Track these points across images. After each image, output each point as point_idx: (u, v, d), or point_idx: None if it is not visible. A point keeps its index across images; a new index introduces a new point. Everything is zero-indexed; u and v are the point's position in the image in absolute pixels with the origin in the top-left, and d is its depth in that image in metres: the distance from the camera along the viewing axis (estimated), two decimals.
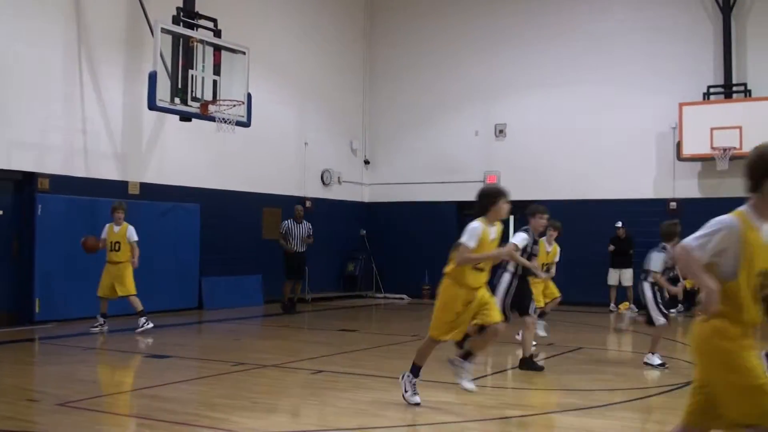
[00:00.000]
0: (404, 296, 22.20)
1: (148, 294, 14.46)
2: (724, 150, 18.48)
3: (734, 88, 19.39)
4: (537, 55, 21.53)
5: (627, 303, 19.24)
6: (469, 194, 21.38)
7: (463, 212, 22.23)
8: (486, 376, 10.24)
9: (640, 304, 12.17)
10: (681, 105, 19.14)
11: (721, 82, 19.50)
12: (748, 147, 18.17)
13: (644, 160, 20.23)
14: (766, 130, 18.23)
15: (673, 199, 19.84)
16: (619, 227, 19.51)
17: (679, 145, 19.17)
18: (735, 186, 19.15)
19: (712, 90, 19.51)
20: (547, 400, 8.55)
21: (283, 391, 8.90)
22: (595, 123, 20.70)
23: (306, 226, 18.39)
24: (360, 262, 22.60)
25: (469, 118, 22.28)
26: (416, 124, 23.00)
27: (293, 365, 10.51)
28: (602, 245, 19.75)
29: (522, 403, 8.59)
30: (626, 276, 19.34)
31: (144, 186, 17.16)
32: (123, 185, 16.74)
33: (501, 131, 21.92)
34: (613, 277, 19.49)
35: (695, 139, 18.85)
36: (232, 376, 9.58)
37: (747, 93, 19.21)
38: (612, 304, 19.42)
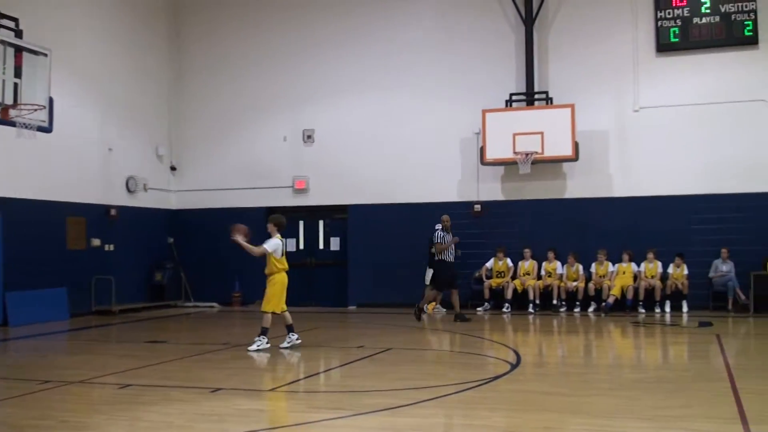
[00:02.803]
0: (214, 304, 21.82)
1: None
2: (527, 155, 19.17)
3: (536, 96, 20.16)
4: (345, 62, 21.68)
5: (434, 303, 19.61)
6: (279, 200, 21.66)
7: None
8: (299, 380, 10.15)
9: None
10: (484, 111, 19.73)
11: (523, 89, 20.23)
12: (549, 152, 19.06)
13: (449, 164, 20.74)
14: (566, 135, 19.13)
15: (478, 202, 20.43)
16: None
17: (482, 150, 19.74)
18: (537, 189, 20.02)
19: (514, 97, 20.21)
20: (357, 402, 8.55)
21: (91, 408, 8.50)
22: (402, 128, 21.07)
23: (453, 237, 17.55)
24: (168, 270, 22.01)
25: (277, 123, 22.16)
26: (224, 130, 22.67)
27: (100, 380, 10.08)
28: (413, 248, 20.11)
29: (332, 406, 8.55)
30: None
31: None
32: None
33: (309, 137, 21.93)
34: (429, 276, 19.66)
35: (498, 144, 19.45)
36: (39, 395, 9.08)
37: (548, 100, 20.01)
38: (437, 306, 19.60)
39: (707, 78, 19.32)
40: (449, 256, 17.15)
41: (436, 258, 17.29)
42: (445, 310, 19.09)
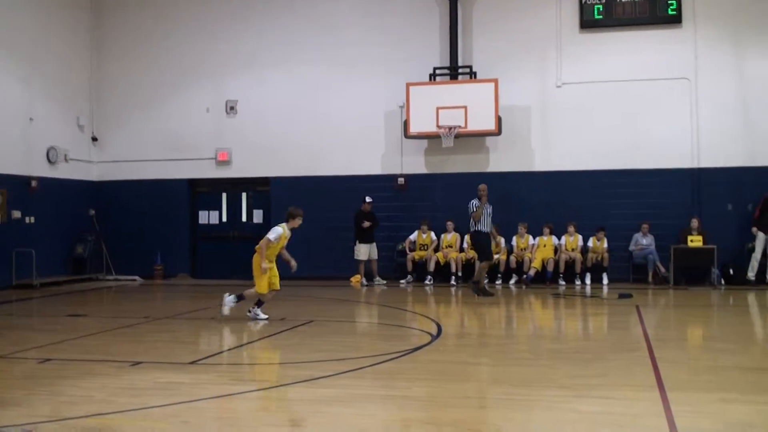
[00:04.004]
0: (136, 277, 21.53)
1: None
2: (450, 128, 19.28)
3: (460, 70, 20.25)
4: (268, 32, 21.47)
5: (359, 276, 19.69)
6: (201, 172, 21.46)
7: (195, 189, 21.96)
8: (220, 353, 10.12)
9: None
10: (408, 85, 19.76)
11: (447, 63, 20.30)
12: (473, 126, 19.19)
13: (373, 137, 20.75)
14: (489, 110, 19.28)
15: (401, 175, 20.52)
16: (368, 202, 19.78)
17: (406, 124, 19.80)
18: (460, 162, 20.18)
19: (438, 71, 20.27)
20: (278, 374, 8.57)
21: (11, 383, 8.35)
22: (326, 101, 20.99)
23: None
24: (89, 243, 21.62)
25: (200, 94, 21.85)
26: (146, 100, 22.28)
27: (20, 355, 9.91)
28: (338, 221, 20.16)
29: (253, 379, 8.56)
30: (374, 250, 19.78)
31: None
32: None
33: (232, 108, 21.69)
34: (363, 251, 19.76)
35: (422, 117, 19.51)
36: None
37: (472, 75, 20.12)
38: (363, 279, 19.67)
39: (630, 55, 19.65)
40: (485, 227, 16.60)
41: (472, 229, 16.65)
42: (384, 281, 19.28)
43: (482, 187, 16.46)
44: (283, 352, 9.93)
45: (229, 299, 13.00)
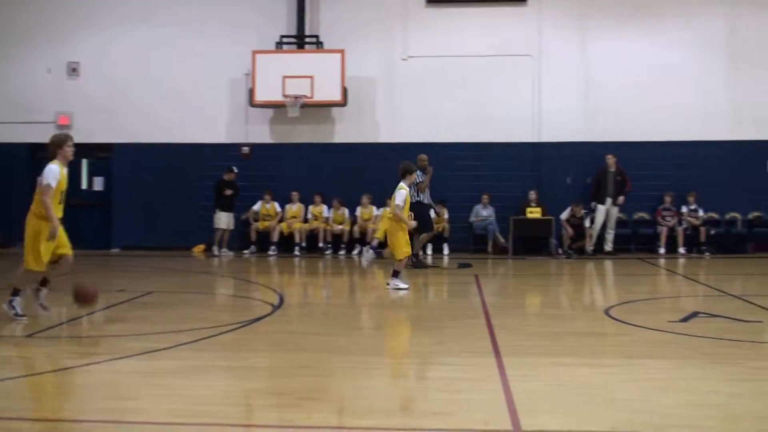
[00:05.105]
0: None
1: None
2: (296, 98, 19.14)
3: (306, 40, 20.11)
4: None
5: (201, 245, 19.40)
6: (41, 136, 20.49)
7: (36, 154, 20.99)
8: (56, 326, 9.75)
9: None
10: (255, 53, 19.47)
11: (294, 32, 20.12)
12: (319, 96, 19.13)
13: (218, 105, 20.36)
14: (336, 81, 19.25)
15: (246, 144, 20.27)
16: (234, 172, 19.53)
17: (252, 92, 19.53)
18: (305, 133, 20.11)
19: (285, 40, 20.07)
20: (116, 346, 8.32)
21: None
22: (171, 66, 20.40)
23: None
24: None
25: (40, 54, 20.73)
26: None
27: None
28: (183, 190, 19.81)
29: (90, 352, 8.28)
30: (232, 220, 19.53)
31: None
32: None
33: (74, 70, 20.80)
34: (224, 220, 19.39)
35: (268, 86, 19.27)
36: None
37: (319, 45, 20.02)
38: (216, 247, 19.33)
39: (476, 31, 20.00)
40: (427, 198, 16.52)
41: (414, 200, 15.86)
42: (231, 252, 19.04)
43: (424, 157, 16.46)
44: (122, 324, 9.63)
45: (368, 254, 13.40)
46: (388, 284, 12.79)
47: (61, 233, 9.57)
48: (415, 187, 15.80)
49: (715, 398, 6.21)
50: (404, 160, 13.78)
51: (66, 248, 9.77)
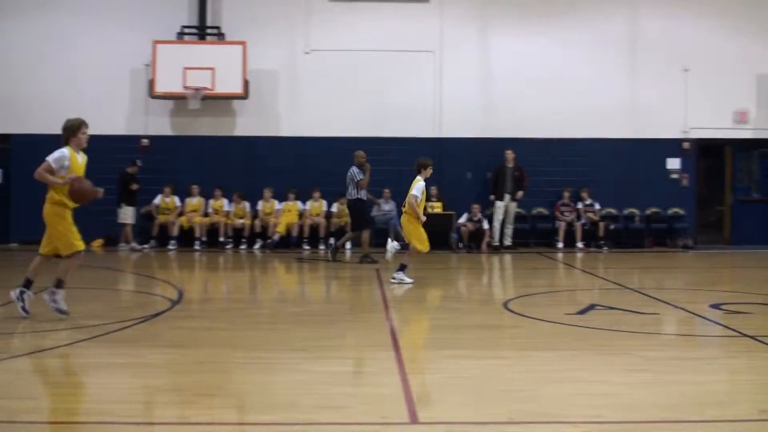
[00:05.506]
0: None
1: None
2: (197, 90, 18.94)
3: (208, 31, 19.91)
4: None
5: (100, 240, 19.07)
6: None
7: None
8: None
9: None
10: (155, 43, 19.17)
11: (195, 23, 19.89)
12: (220, 88, 18.97)
13: (118, 95, 19.98)
14: (237, 73, 19.12)
15: (146, 136, 19.96)
16: (138, 165, 19.31)
17: (152, 83, 19.23)
18: (206, 125, 19.93)
19: (186, 30, 19.82)
20: (8, 345, 8.12)
21: None
22: (69, 53, 19.88)
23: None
24: None
25: None
26: None
27: None
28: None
29: None
30: (134, 214, 19.26)
31: None
32: None
33: None
34: (131, 214, 19.10)
35: (169, 77, 18.99)
36: None
37: (220, 36, 19.84)
38: (123, 243, 19.02)
39: (379, 27, 20.18)
40: (364, 195, 16.47)
41: (353, 197, 16.30)
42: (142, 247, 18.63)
43: (362, 154, 16.51)
44: (13, 321, 9.39)
45: (393, 245, 13.33)
46: (393, 278, 12.85)
47: None
48: (354, 185, 16.14)
49: (610, 388, 6.41)
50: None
51: None
